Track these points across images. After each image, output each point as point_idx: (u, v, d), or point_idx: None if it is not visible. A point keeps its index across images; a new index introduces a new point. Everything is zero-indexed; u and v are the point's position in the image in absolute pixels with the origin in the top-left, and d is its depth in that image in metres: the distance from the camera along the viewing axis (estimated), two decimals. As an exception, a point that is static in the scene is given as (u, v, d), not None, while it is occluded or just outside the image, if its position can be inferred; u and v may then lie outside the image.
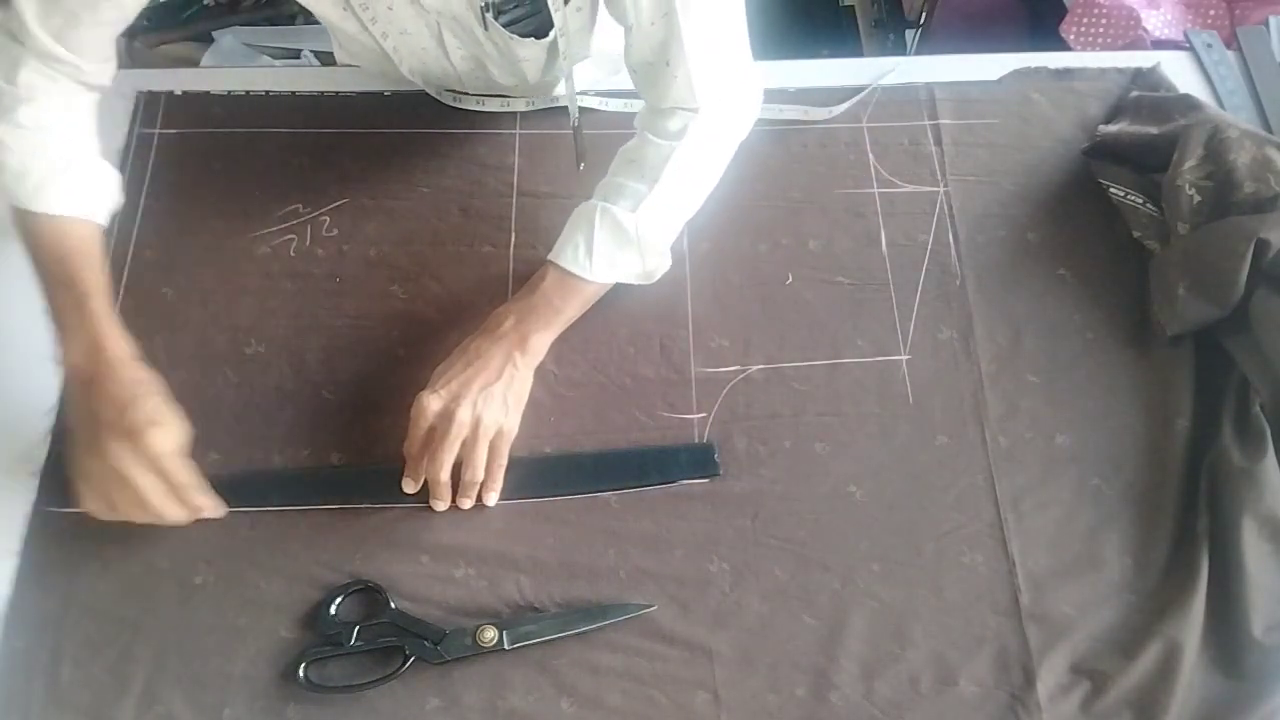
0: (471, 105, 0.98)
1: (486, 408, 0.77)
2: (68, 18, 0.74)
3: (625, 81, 0.88)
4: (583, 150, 0.90)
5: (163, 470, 0.71)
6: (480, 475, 0.78)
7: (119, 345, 0.74)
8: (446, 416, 0.76)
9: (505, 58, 0.90)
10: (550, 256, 0.82)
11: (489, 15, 0.82)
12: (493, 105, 0.98)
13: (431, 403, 0.76)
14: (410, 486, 0.79)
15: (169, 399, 0.74)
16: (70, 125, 0.78)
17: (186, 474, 0.73)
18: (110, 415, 0.70)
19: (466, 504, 0.79)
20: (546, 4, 0.79)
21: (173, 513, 0.72)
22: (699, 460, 0.82)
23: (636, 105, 0.98)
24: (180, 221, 0.91)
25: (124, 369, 0.73)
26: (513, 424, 0.80)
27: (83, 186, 0.77)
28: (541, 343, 0.82)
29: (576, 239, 0.81)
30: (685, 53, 0.78)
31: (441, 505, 0.79)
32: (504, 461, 0.79)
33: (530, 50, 0.87)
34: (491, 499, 0.79)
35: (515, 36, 0.85)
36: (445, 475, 0.77)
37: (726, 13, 0.80)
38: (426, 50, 0.91)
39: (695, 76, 0.79)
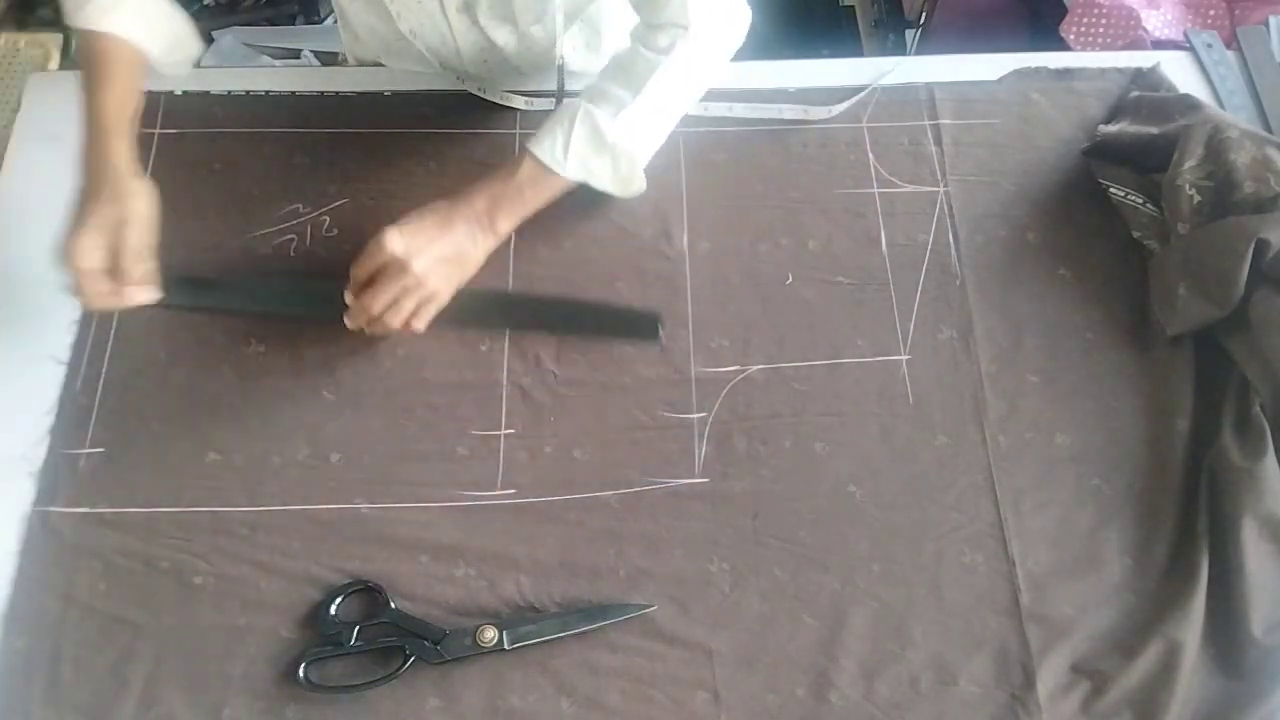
0: (473, 89, 0.98)
1: (434, 271, 0.80)
2: None
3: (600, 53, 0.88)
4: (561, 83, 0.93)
5: (118, 239, 0.76)
6: (399, 322, 0.80)
7: (103, 154, 0.77)
8: (399, 265, 0.79)
9: (502, 5, 0.91)
10: (529, 145, 0.84)
11: None
12: (492, 95, 0.98)
13: (394, 244, 0.79)
14: (352, 321, 0.81)
15: (133, 209, 0.77)
16: None
17: (130, 255, 0.76)
18: (92, 200, 0.76)
19: (369, 334, 0.82)
20: None
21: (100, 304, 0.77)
22: (640, 325, 0.86)
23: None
24: (180, 221, 0.91)
25: (94, 184, 0.77)
26: (447, 295, 0.83)
27: (129, 11, 0.82)
28: (506, 227, 0.84)
29: (556, 133, 0.83)
30: None
31: (352, 325, 0.82)
32: (422, 325, 0.82)
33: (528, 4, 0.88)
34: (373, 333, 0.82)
35: None
36: (376, 310, 0.79)
37: None
38: (430, 15, 0.92)
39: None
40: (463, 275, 0.83)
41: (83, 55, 0.82)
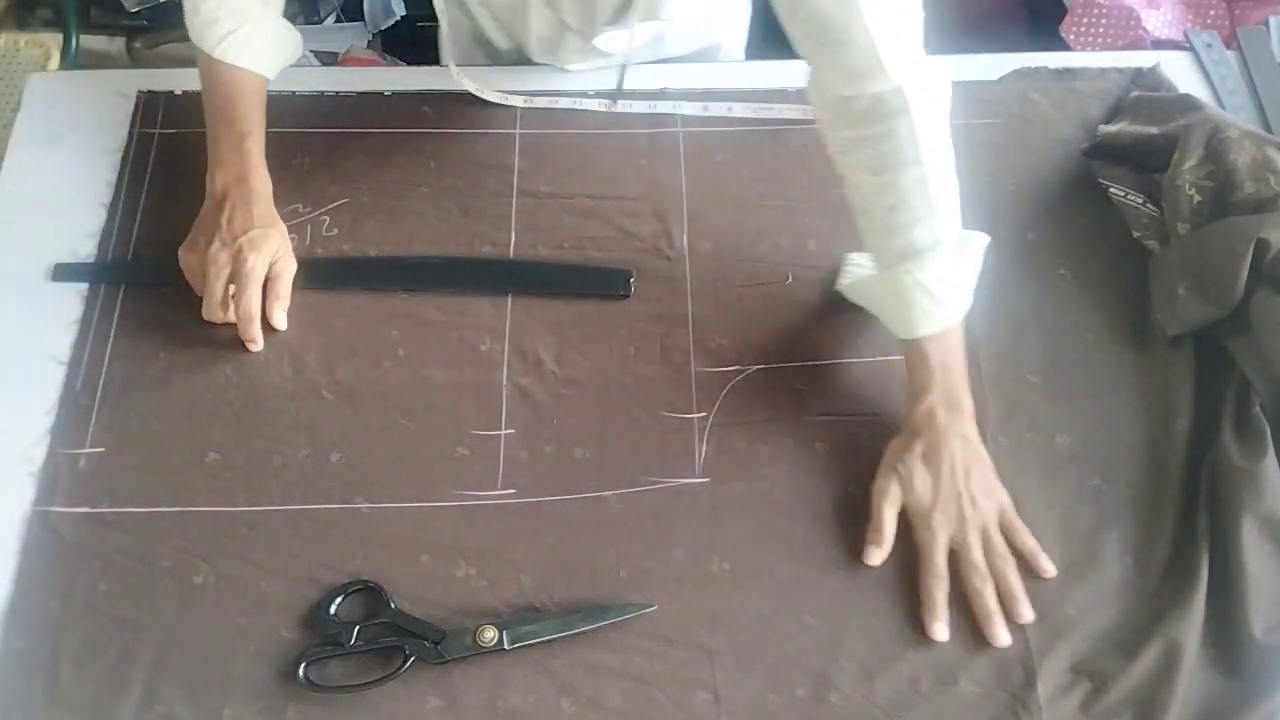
0: (470, 88, 0.98)
1: (983, 494, 0.77)
2: None
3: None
4: (620, 83, 0.96)
5: (241, 284, 0.82)
6: (1014, 563, 0.76)
7: (263, 182, 0.85)
8: (959, 520, 0.76)
9: None
10: (911, 335, 0.78)
11: None
12: (492, 96, 0.98)
13: (942, 527, 0.76)
14: (942, 632, 0.75)
15: (286, 239, 0.86)
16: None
17: (253, 304, 0.82)
18: (225, 230, 0.82)
19: (1022, 616, 0.75)
20: None
21: (214, 316, 0.84)
22: (612, 280, 0.88)
23: (639, 106, 0.99)
24: (180, 221, 0.91)
25: (258, 202, 0.84)
26: (1002, 492, 0.78)
27: (261, 43, 0.87)
28: (968, 400, 0.79)
29: (924, 306, 0.76)
30: (866, 21, 0.70)
31: (1004, 635, 0.74)
32: (1019, 537, 0.77)
33: None
34: (1027, 613, 0.75)
35: None
36: (985, 570, 0.75)
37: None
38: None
39: (882, 44, 0.71)
40: (984, 465, 0.78)
41: (216, 80, 0.87)
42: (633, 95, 0.99)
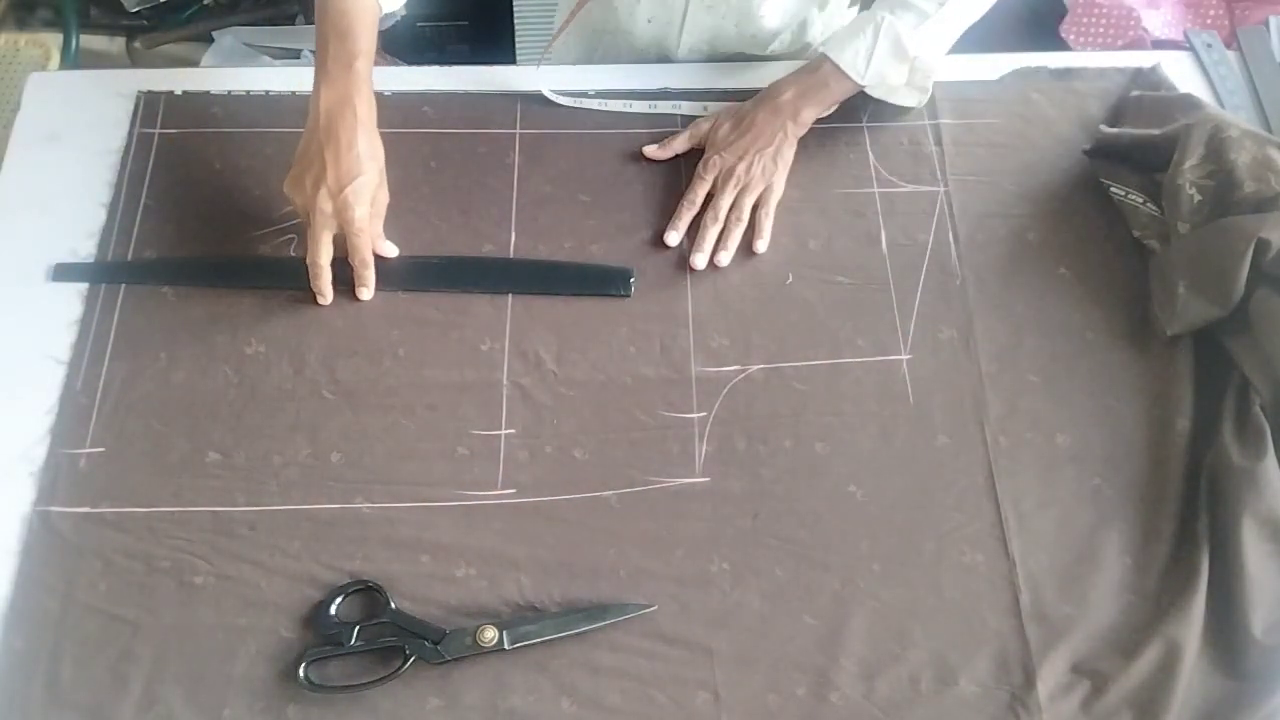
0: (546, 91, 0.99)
1: (760, 168, 0.90)
2: None
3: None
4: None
5: (351, 239, 0.83)
6: (745, 219, 0.89)
7: (367, 107, 0.83)
8: (726, 172, 0.89)
9: None
10: (828, 52, 0.90)
11: None
12: (566, 101, 0.99)
13: (715, 161, 0.90)
14: (673, 238, 0.90)
15: (382, 170, 0.85)
16: None
17: (364, 250, 0.85)
18: (334, 176, 0.81)
19: (718, 259, 0.89)
20: None
21: (316, 262, 0.84)
22: (612, 279, 0.89)
23: (639, 106, 0.99)
24: (180, 221, 0.91)
25: (361, 132, 0.82)
26: (780, 183, 0.91)
27: None
28: (810, 116, 0.92)
29: (858, 43, 0.89)
30: None
31: (701, 260, 0.89)
32: (771, 211, 0.90)
33: None
34: (725, 259, 0.90)
35: None
36: (723, 215, 0.89)
37: None
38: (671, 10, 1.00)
39: None
40: (784, 160, 0.91)
41: (333, 4, 0.83)
42: (633, 95, 0.99)
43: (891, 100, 0.95)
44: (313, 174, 0.82)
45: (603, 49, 1.09)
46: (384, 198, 0.87)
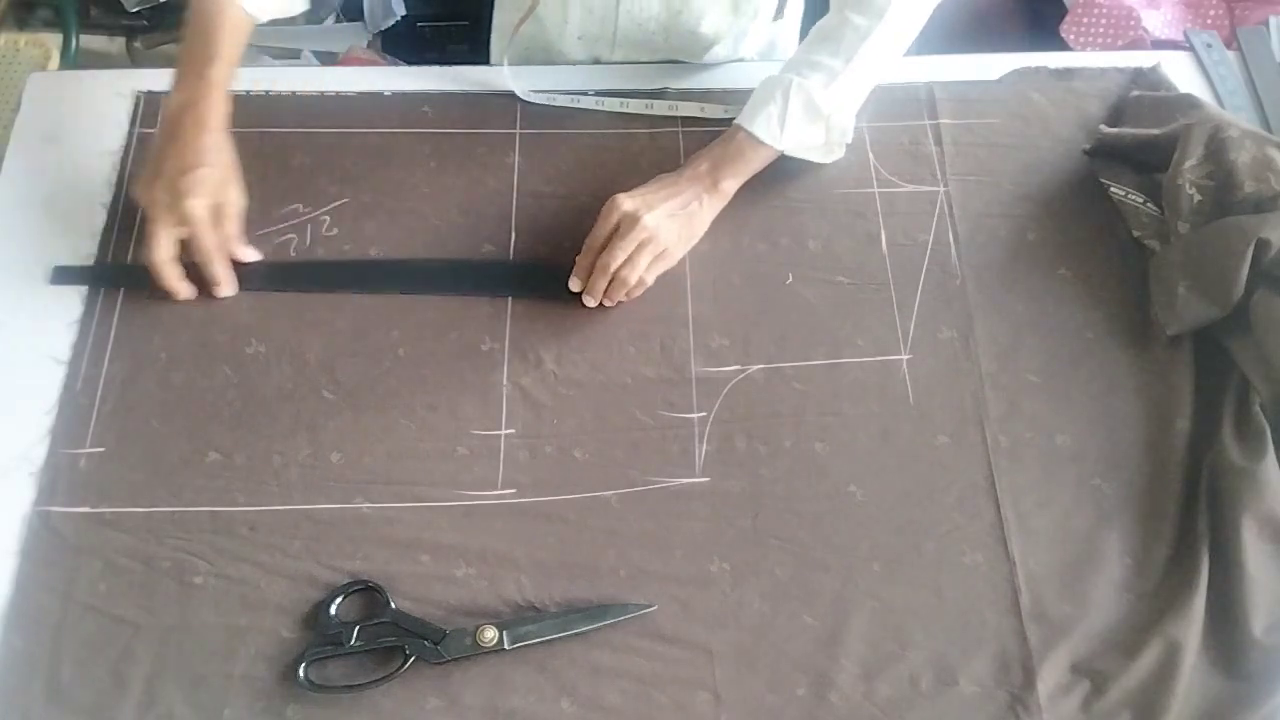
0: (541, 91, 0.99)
1: (665, 226, 0.85)
2: None
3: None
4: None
5: (194, 233, 0.82)
6: (635, 277, 0.85)
7: (216, 112, 0.82)
8: (633, 218, 0.84)
9: None
10: (741, 122, 0.88)
11: None
12: (537, 99, 0.98)
13: (624, 203, 0.85)
14: (576, 284, 0.87)
15: (232, 172, 0.84)
16: None
17: (206, 241, 0.83)
18: (171, 168, 0.81)
19: (609, 303, 0.87)
20: None
21: (153, 260, 0.83)
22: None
23: (635, 105, 0.99)
24: (180, 221, 0.91)
25: (205, 133, 0.81)
26: (679, 252, 0.88)
27: None
28: (731, 186, 0.89)
29: (770, 109, 0.87)
30: None
31: (591, 301, 0.87)
32: (652, 278, 0.86)
33: None
34: (608, 301, 0.87)
35: None
36: (614, 268, 0.84)
37: None
38: None
39: None
40: (692, 232, 0.88)
41: (201, 10, 0.84)
42: (633, 95, 0.99)
43: (810, 159, 0.93)
44: (151, 170, 0.82)
45: (540, 64, 1.08)
46: (235, 198, 0.85)
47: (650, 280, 0.86)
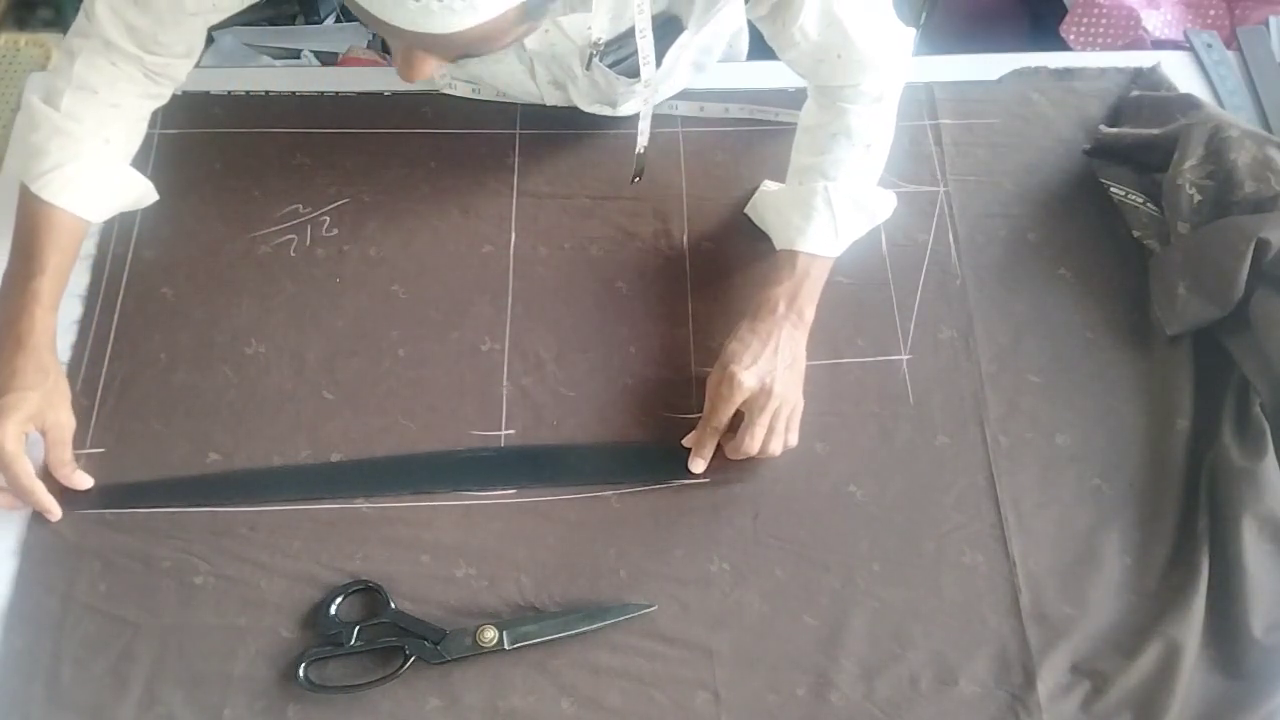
0: (490, 95, 0.98)
1: (788, 384, 0.80)
2: (141, 7, 0.77)
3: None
4: (641, 169, 0.91)
5: (47, 423, 0.76)
6: (780, 450, 0.79)
7: (38, 329, 0.76)
8: (765, 393, 0.78)
9: (599, 91, 0.91)
10: (797, 247, 0.83)
11: (595, 59, 0.82)
12: (487, 93, 0.98)
13: (748, 379, 0.78)
14: (699, 466, 0.80)
15: (58, 393, 0.77)
16: (107, 122, 0.81)
17: (20, 480, 0.74)
18: (12, 380, 0.74)
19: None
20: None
21: None
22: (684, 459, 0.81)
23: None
24: (180, 221, 0.91)
25: (21, 353, 0.75)
26: (800, 398, 0.82)
27: (88, 185, 0.80)
28: (811, 311, 0.84)
29: (819, 224, 0.83)
30: (857, 42, 0.80)
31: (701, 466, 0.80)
32: (795, 438, 0.81)
33: (630, 88, 0.87)
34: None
35: (620, 77, 0.85)
36: (760, 444, 0.78)
37: None
38: (513, 75, 0.92)
39: (870, 53, 0.82)
40: (800, 373, 0.82)
41: (26, 211, 0.79)
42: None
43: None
44: None
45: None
46: (62, 421, 0.77)
47: (795, 440, 0.80)
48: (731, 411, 0.79)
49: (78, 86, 0.79)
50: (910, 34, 0.86)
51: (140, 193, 0.87)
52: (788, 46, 0.82)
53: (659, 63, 0.79)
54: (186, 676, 0.73)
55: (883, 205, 0.88)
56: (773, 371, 0.79)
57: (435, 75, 0.64)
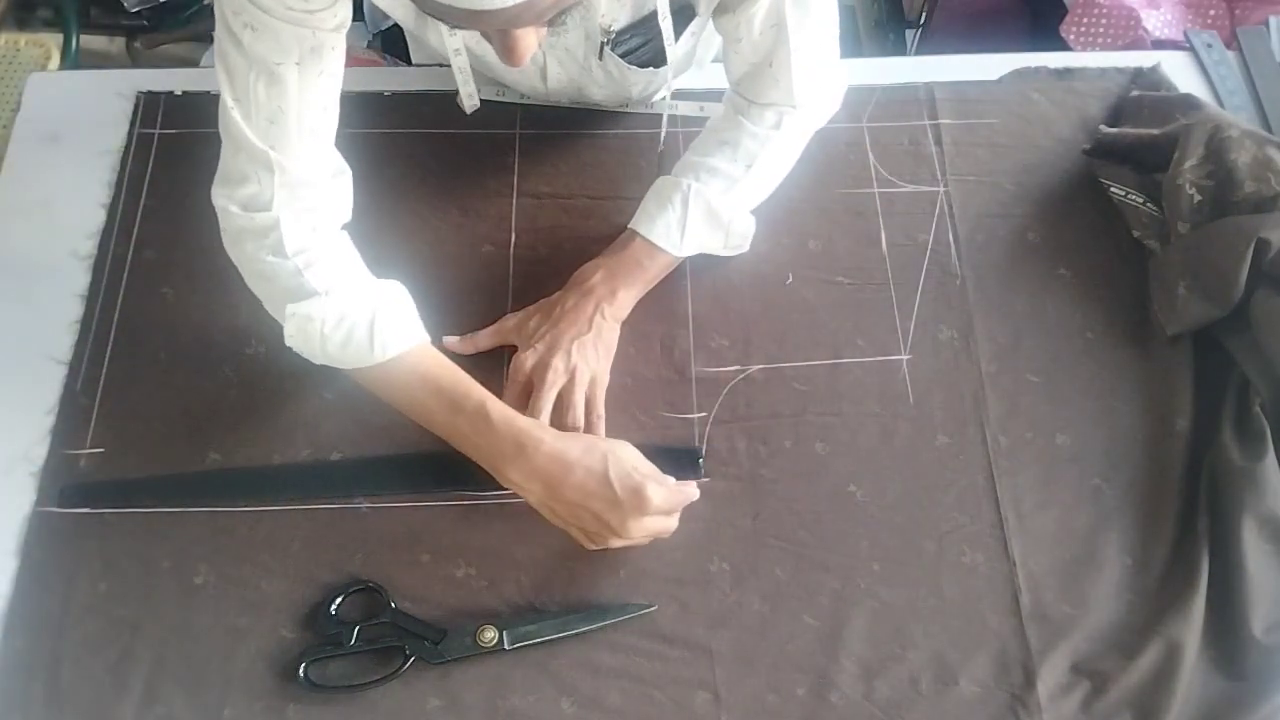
0: (491, 95, 0.98)
1: (580, 357, 0.80)
2: (295, 138, 0.74)
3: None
4: (664, 160, 0.92)
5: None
6: (581, 420, 0.79)
7: (539, 435, 0.73)
8: (542, 366, 0.79)
9: (612, 82, 0.92)
10: (639, 229, 0.85)
11: (607, 49, 0.83)
12: (488, 93, 0.98)
13: (527, 358, 0.80)
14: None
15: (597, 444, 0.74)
16: (345, 265, 0.77)
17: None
18: (595, 500, 0.71)
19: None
20: (661, 38, 0.81)
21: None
22: (682, 462, 0.81)
23: (633, 104, 0.99)
24: (180, 221, 0.91)
25: (565, 456, 0.72)
26: (604, 371, 0.82)
27: (398, 318, 0.77)
28: (628, 298, 0.84)
29: (668, 216, 0.84)
30: (791, 59, 0.81)
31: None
32: (602, 411, 0.81)
33: (642, 77, 0.88)
34: None
35: (631, 67, 0.85)
36: (544, 416, 0.78)
37: (826, 15, 0.81)
38: (523, 73, 0.92)
39: (797, 79, 0.82)
40: (606, 347, 0.82)
41: (399, 384, 0.76)
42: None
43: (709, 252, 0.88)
44: (550, 500, 0.74)
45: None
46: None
47: (601, 410, 0.81)
48: (516, 390, 0.80)
49: (305, 265, 0.74)
50: (844, 76, 0.88)
51: (405, 293, 0.81)
52: (732, 40, 0.82)
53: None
54: (186, 676, 0.73)
55: (741, 229, 0.87)
56: (559, 346, 0.79)
57: (539, 43, 0.64)
